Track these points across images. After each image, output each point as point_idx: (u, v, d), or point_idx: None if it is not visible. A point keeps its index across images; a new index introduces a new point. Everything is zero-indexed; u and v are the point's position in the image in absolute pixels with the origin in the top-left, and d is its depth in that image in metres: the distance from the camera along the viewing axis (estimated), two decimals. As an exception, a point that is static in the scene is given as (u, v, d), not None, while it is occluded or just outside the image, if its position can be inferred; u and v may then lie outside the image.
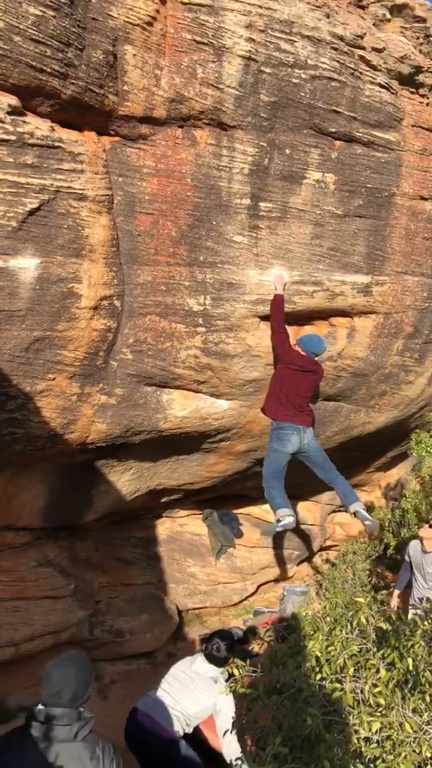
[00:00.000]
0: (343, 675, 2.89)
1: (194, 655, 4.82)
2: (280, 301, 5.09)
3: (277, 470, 5.43)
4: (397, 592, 6.92)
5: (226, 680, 4.40)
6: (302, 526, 9.23)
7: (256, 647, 6.53)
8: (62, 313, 4.32)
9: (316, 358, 5.44)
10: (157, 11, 4.12)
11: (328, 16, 4.84)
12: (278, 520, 5.20)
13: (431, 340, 6.55)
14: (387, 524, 8.61)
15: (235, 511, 8.65)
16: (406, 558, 6.70)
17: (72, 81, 3.84)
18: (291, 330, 5.45)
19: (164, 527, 8.24)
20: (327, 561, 9.44)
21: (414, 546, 6.60)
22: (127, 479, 6.19)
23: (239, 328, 5.22)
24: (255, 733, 3.16)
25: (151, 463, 6.27)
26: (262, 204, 4.94)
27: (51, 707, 2.66)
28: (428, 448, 8.10)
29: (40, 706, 2.69)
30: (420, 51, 5.78)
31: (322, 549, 9.77)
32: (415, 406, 7.27)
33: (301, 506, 9.16)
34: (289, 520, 5.18)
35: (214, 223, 4.84)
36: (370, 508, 9.30)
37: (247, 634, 7.66)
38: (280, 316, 5.09)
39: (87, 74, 3.89)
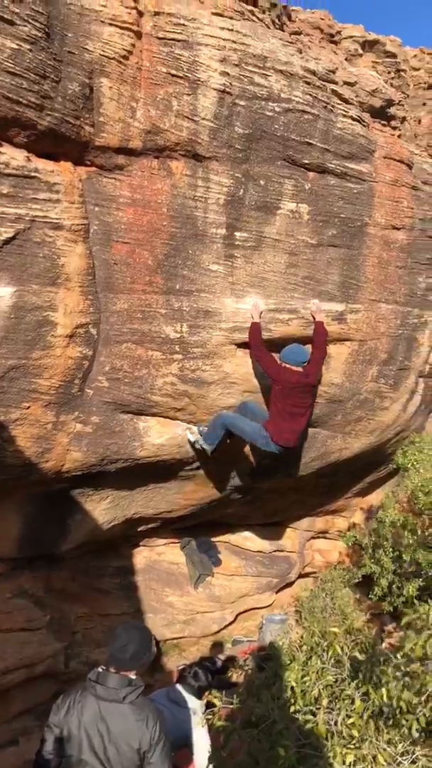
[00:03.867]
0: (317, 706, 2.87)
1: (173, 686, 4.75)
2: (257, 328, 5.13)
3: (231, 431, 5.49)
4: None
5: (204, 712, 4.33)
6: (281, 554, 9.18)
7: (234, 676, 6.44)
8: (37, 341, 4.31)
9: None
10: (133, 45, 4.20)
11: (300, 51, 4.96)
12: (196, 441, 5.61)
13: (405, 366, 6.63)
14: (365, 550, 8.57)
15: (213, 539, 8.58)
16: None
17: (48, 112, 3.88)
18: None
19: (142, 556, 8.14)
20: (306, 588, 9.35)
21: None
22: (103, 508, 6.12)
23: (216, 356, 5.24)
24: (231, 768, 3.11)
25: (128, 492, 6.22)
26: (237, 233, 5.00)
27: (112, 664, 3.19)
28: (414, 461, 8.04)
29: (99, 668, 3.23)
30: (391, 84, 5.97)
31: (301, 576, 9.70)
32: (390, 432, 7.31)
33: (280, 533, 9.12)
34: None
35: (191, 252, 4.88)
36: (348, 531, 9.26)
37: (226, 664, 7.54)
38: (259, 341, 5.13)
39: (63, 106, 3.94)
